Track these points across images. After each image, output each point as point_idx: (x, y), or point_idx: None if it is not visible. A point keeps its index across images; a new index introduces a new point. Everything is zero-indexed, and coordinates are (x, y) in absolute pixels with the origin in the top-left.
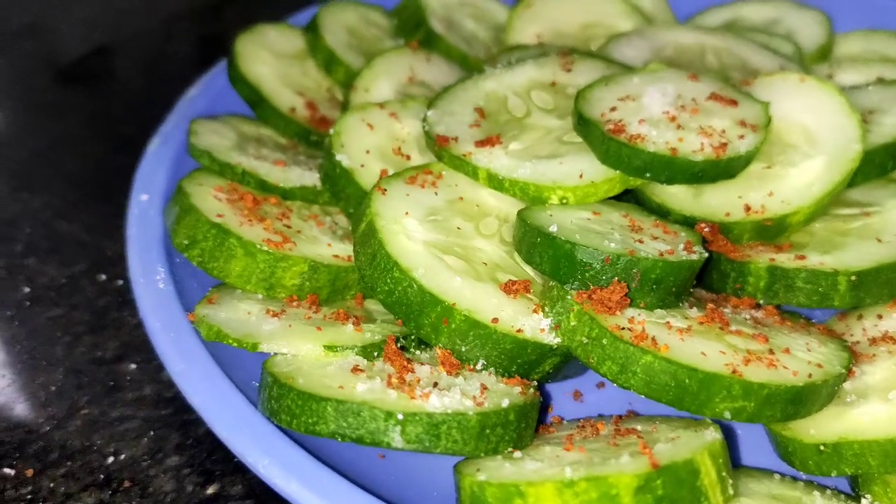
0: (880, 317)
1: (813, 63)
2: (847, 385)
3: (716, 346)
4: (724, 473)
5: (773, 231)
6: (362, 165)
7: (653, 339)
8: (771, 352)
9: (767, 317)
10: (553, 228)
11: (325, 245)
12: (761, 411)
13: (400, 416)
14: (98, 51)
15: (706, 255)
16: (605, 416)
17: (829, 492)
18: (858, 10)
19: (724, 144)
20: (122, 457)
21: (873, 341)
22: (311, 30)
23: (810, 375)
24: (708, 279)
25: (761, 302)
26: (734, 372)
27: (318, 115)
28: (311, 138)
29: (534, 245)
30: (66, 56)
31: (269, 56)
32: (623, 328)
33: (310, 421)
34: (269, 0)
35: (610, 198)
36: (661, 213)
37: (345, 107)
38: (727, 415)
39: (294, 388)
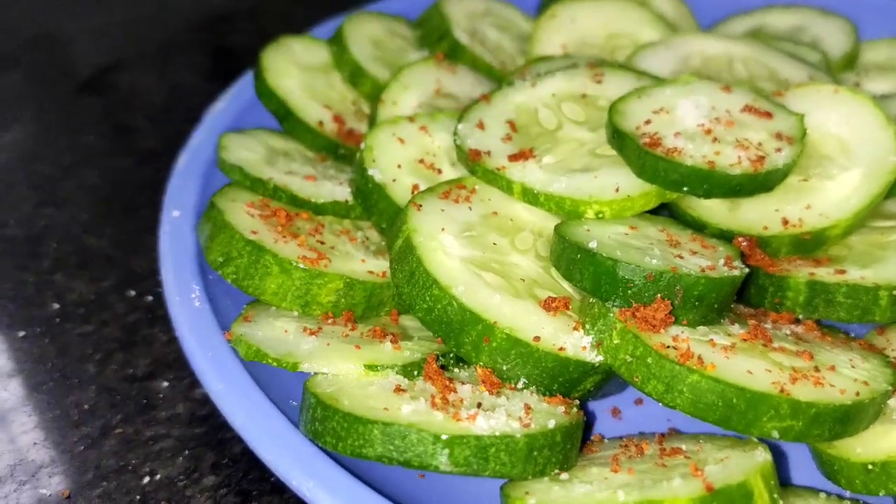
0: None
1: (839, 71)
2: (892, 402)
3: (761, 364)
4: (775, 495)
5: (811, 245)
6: (394, 180)
7: (699, 357)
8: (816, 369)
9: (808, 332)
10: (593, 244)
11: (360, 261)
12: (809, 430)
13: (446, 438)
14: (114, 63)
15: (747, 270)
16: (646, 434)
17: None
18: (885, 16)
19: (762, 157)
20: (158, 477)
21: None
22: (336, 42)
23: (858, 393)
24: (746, 294)
25: (800, 317)
26: (782, 391)
27: (346, 129)
28: (340, 152)
29: (573, 261)
30: (82, 68)
31: (295, 69)
32: (668, 346)
33: (356, 444)
34: (282, 11)
35: (644, 212)
36: (697, 227)
37: (372, 120)
38: (775, 434)
39: (339, 411)
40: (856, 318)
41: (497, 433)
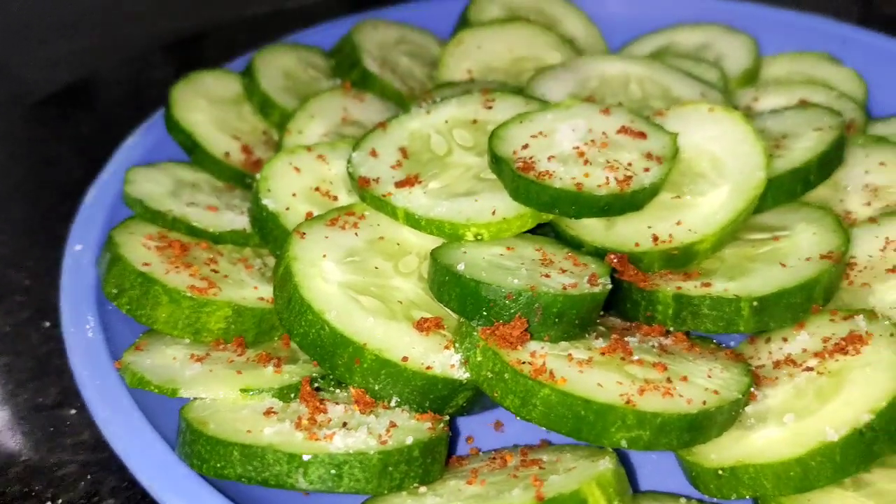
0: (785, 340)
1: (740, 87)
2: (749, 409)
3: (614, 377)
4: (615, 502)
5: (681, 259)
6: (287, 208)
7: (551, 372)
8: (669, 380)
9: (676, 344)
10: (461, 267)
11: (252, 288)
12: (657, 439)
13: (305, 458)
14: (46, 96)
15: (610, 286)
16: (520, 446)
17: None
18: (787, 32)
19: (629, 178)
20: (60, 501)
21: (777, 364)
22: (247, 74)
23: (704, 402)
24: (622, 308)
25: (671, 329)
26: (628, 402)
27: (254, 159)
28: (247, 181)
29: (443, 283)
30: (31, 96)
31: (205, 102)
32: (524, 362)
33: (218, 465)
34: (249, 28)
35: (532, 230)
36: (576, 245)
37: (278, 149)
38: (624, 443)
39: (204, 434)
40: (721, 329)
41: (351, 450)
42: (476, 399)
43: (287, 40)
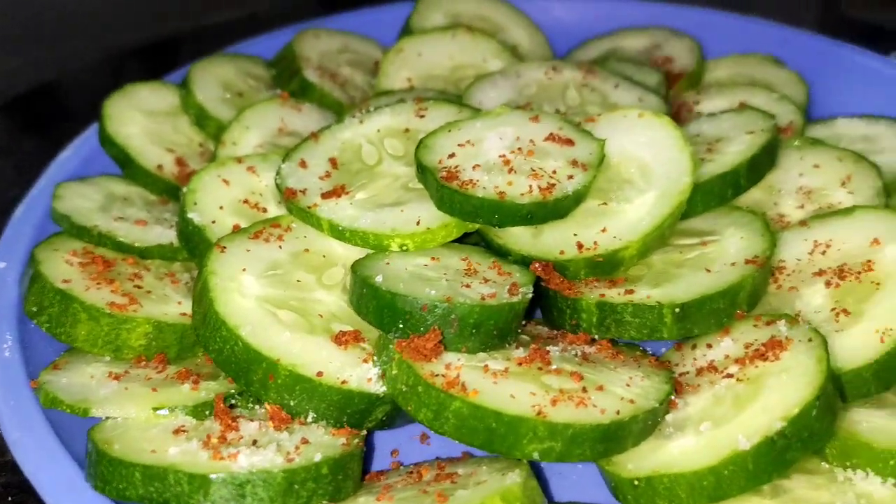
0: (710, 346)
1: (683, 90)
2: (669, 417)
3: (528, 388)
4: None
5: (606, 267)
6: (213, 222)
7: (463, 384)
8: (584, 390)
9: (600, 352)
10: (379, 279)
11: (175, 303)
12: (570, 450)
13: (201, 477)
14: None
15: (529, 296)
16: (442, 459)
17: None
18: (731, 35)
19: (552, 185)
20: None
21: (700, 371)
22: (184, 86)
23: (618, 412)
24: (550, 316)
25: (596, 337)
26: (539, 413)
27: (188, 171)
28: (180, 194)
29: (361, 295)
30: None
31: (140, 115)
32: (437, 375)
33: (120, 486)
34: (226, 35)
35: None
36: (503, 253)
37: (213, 161)
38: (536, 455)
39: (107, 455)
40: (645, 336)
41: (254, 469)
42: (396, 413)
43: (229, 50)
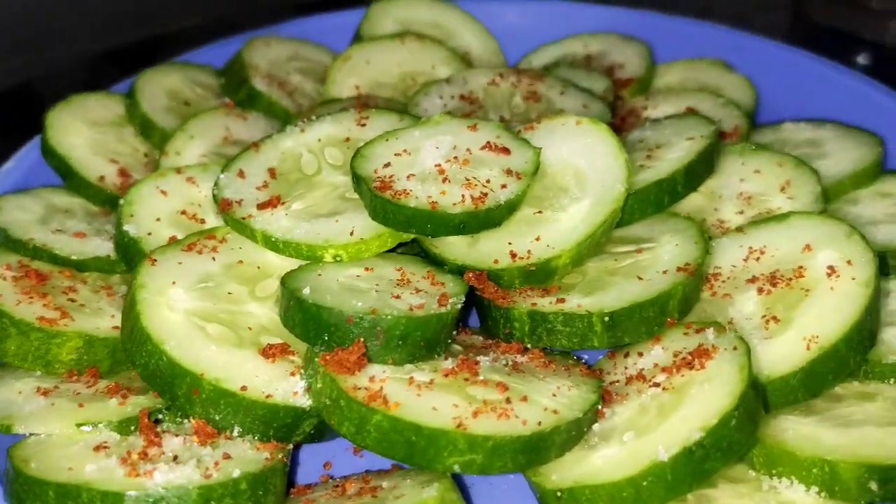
0: (640, 354)
1: (632, 95)
2: (596, 427)
3: (452, 399)
4: None
5: (540, 275)
6: (149, 234)
7: (384, 397)
8: (508, 401)
9: (532, 361)
10: (306, 291)
11: (109, 317)
12: (491, 463)
13: (114, 495)
14: None
15: (459, 306)
16: (372, 472)
17: None
18: (683, 39)
19: (485, 195)
20: None
21: (629, 380)
22: (130, 95)
23: (540, 423)
24: (486, 325)
25: (529, 346)
26: (460, 426)
27: (130, 182)
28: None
29: (288, 308)
30: None
31: (83, 126)
32: (359, 388)
33: None
34: (202, 38)
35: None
36: (439, 263)
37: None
38: (457, 468)
39: (23, 473)
40: (576, 345)
41: (169, 486)
42: (325, 426)
43: (179, 59)
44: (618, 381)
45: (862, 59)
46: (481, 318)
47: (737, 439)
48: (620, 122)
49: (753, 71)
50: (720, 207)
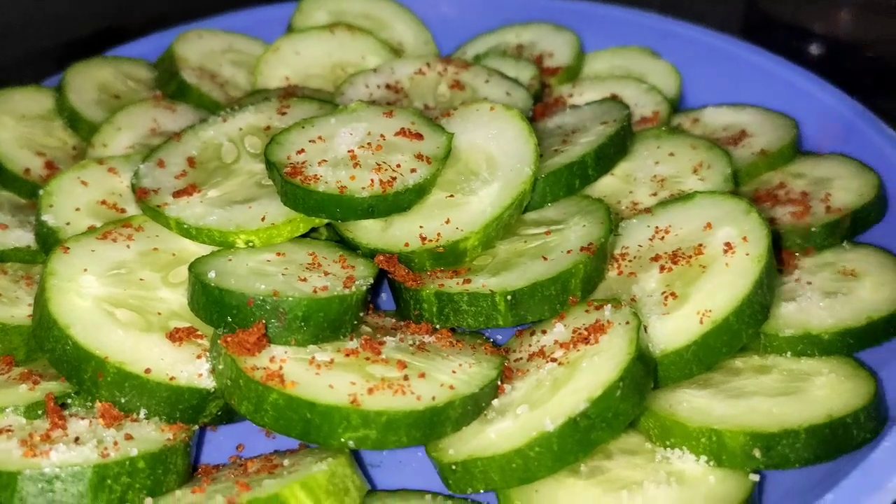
0: (544, 332)
1: (561, 83)
2: (496, 402)
3: (350, 378)
4: (326, 501)
5: (449, 258)
6: (68, 224)
7: (281, 376)
8: (406, 378)
9: (440, 341)
10: (211, 275)
11: (25, 305)
12: (385, 437)
13: (21, 474)
14: None
15: (364, 288)
16: (280, 451)
17: None
18: (612, 28)
19: (393, 179)
20: None
21: (531, 357)
22: (59, 89)
23: (434, 398)
24: (399, 307)
25: (438, 326)
26: (354, 402)
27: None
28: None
29: (193, 292)
30: None
31: (10, 119)
32: (257, 368)
33: None
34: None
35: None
36: (354, 247)
37: None
38: (352, 444)
39: None
40: (482, 324)
41: (64, 465)
42: (232, 408)
43: (111, 53)
44: (521, 358)
45: (814, 50)
46: (395, 301)
47: (622, 410)
48: (544, 108)
49: (682, 58)
50: (635, 190)
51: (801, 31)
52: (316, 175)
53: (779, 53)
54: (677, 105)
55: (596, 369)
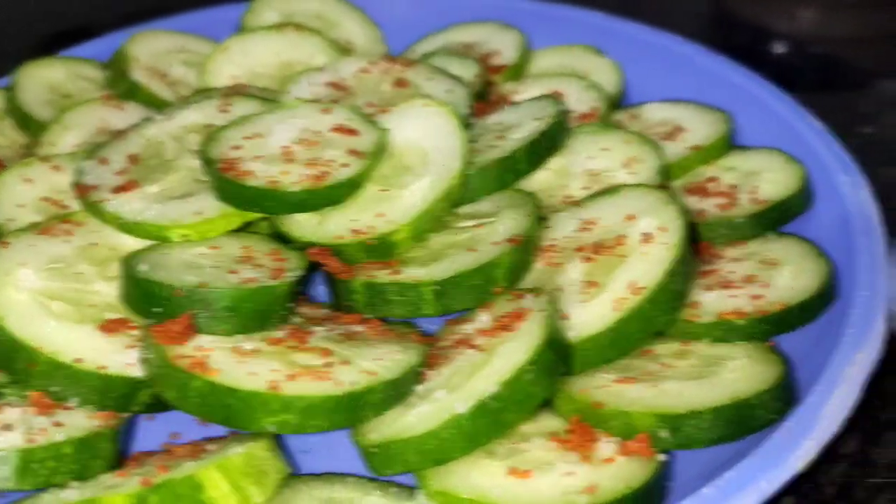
0: (470, 321)
1: (507, 81)
2: (420, 388)
3: (272, 366)
4: (243, 483)
5: (381, 250)
6: (11, 220)
7: (205, 364)
8: (329, 365)
9: (369, 330)
10: (143, 267)
11: None
12: (305, 422)
13: None
14: None
15: (291, 279)
16: (208, 438)
17: (392, 490)
18: (558, 26)
19: (325, 174)
20: None
21: (456, 344)
22: (9, 88)
23: (353, 383)
24: (333, 298)
25: (367, 316)
26: (274, 388)
27: None
28: None
29: (123, 285)
30: None
31: None
32: (183, 356)
33: None
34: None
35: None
36: (288, 240)
37: None
38: (272, 428)
39: None
40: (410, 313)
41: None
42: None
43: (66, 53)
44: (447, 346)
45: (778, 49)
46: (330, 292)
47: (532, 392)
48: (486, 106)
49: (626, 56)
50: (569, 184)
51: (766, 30)
52: (249, 170)
53: (743, 52)
54: (619, 101)
55: (508, 354)
